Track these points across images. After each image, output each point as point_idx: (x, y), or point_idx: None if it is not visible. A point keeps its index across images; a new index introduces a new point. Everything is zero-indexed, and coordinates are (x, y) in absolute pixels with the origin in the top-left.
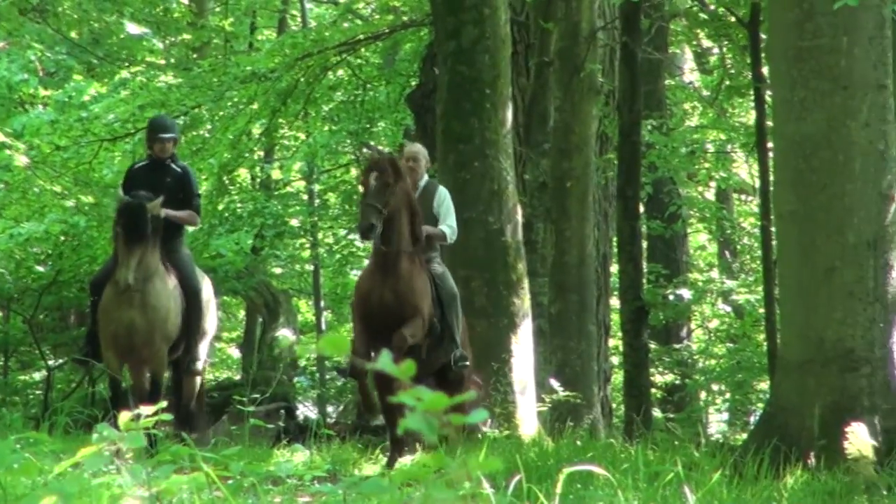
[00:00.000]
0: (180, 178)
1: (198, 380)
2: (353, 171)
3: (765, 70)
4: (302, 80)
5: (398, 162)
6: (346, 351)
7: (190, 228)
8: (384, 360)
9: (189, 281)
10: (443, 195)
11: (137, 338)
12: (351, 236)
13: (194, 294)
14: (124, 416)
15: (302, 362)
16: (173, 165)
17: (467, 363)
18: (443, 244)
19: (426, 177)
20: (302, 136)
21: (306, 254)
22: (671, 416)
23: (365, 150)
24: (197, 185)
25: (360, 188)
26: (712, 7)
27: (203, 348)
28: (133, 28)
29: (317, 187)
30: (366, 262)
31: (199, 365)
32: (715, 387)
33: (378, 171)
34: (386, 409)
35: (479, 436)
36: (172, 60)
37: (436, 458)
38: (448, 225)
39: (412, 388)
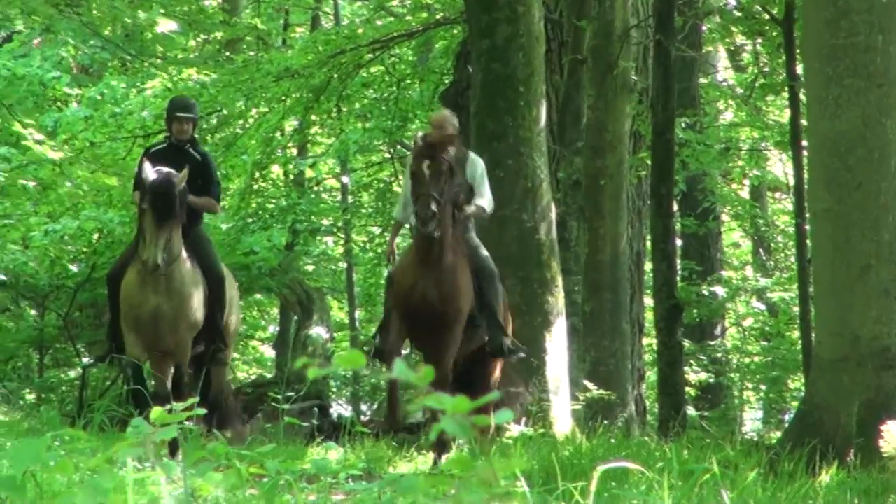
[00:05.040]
0: (199, 165)
1: (226, 371)
2: (384, 172)
3: (799, 68)
4: (335, 77)
5: (448, 148)
6: (362, 364)
7: (208, 216)
8: (400, 368)
9: (212, 268)
10: (476, 163)
11: (163, 325)
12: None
13: (218, 281)
14: (156, 411)
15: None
16: (192, 151)
17: (522, 354)
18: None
19: None
20: (334, 133)
21: (339, 251)
22: (705, 414)
23: (418, 138)
24: (217, 173)
25: (411, 176)
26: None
27: (229, 340)
28: (164, 26)
29: (349, 182)
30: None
31: (227, 355)
32: (749, 385)
33: (430, 158)
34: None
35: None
36: (200, 56)
37: (465, 458)
38: (485, 197)
39: (434, 394)
